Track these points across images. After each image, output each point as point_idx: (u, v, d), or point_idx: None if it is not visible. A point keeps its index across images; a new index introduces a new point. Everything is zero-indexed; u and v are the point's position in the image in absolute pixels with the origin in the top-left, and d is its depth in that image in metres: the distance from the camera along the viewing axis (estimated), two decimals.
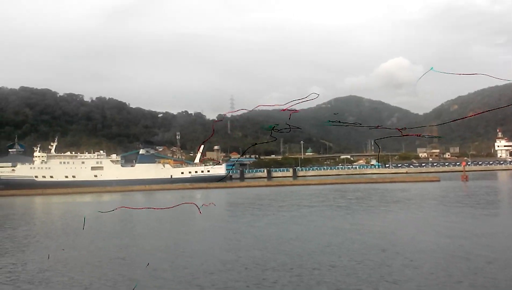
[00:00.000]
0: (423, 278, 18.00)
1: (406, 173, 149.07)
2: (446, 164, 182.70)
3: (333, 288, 17.00)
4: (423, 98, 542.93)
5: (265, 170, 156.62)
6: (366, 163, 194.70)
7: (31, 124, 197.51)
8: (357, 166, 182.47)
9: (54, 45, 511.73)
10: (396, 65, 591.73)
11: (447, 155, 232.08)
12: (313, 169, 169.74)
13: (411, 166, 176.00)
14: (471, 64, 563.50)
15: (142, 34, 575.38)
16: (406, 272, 19.00)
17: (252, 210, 49.94)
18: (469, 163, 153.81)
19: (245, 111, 8.20)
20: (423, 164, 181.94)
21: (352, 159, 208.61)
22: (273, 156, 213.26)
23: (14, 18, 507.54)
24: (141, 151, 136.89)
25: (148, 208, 27.13)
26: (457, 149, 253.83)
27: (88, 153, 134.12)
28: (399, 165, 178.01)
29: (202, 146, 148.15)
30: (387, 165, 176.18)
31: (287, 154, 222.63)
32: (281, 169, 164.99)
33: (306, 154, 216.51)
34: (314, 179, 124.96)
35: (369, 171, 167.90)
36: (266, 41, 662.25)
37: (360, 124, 7.86)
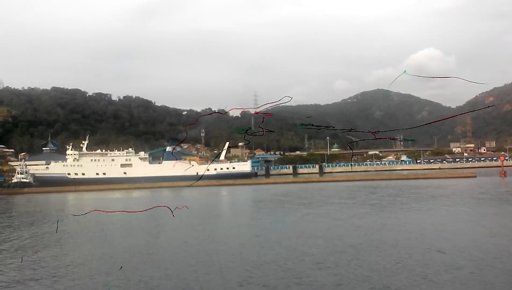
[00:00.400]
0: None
1: (439, 169, 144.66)
2: (482, 159, 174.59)
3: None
4: (455, 90, 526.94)
5: (291, 167, 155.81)
6: (396, 159, 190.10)
7: (63, 123, 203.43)
8: (387, 162, 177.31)
9: (82, 46, 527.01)
10: (426, 56, 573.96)
11: (482, 150, 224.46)
12: (340, 165, 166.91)
13: (444, 161, 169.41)
14: (507, 53, 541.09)
15: (166, 34, 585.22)
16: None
17: (292, 207, 49.84)
18: (507, 158, 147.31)
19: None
20: (457, 159, 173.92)
21: (381, 155, 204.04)
22: (297, 152, 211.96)
23: (44, 22, 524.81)
24: (168, 149, 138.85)
25: (122, 211, 26.93)
26: (493, 144, 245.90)
27: (118, 150, 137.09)
28: (431, 160, 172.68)
29: (227, 143, 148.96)
30: (418, 161, 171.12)
31: (312, 150, 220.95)
32: (307, 165, 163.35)
33: (332, 150, 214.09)
34: (342, 176, 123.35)
35: (399, 167, 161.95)
36: (290, 36, 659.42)
37: (334, 127, 8.42)
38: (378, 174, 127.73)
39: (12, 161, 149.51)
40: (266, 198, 63.88)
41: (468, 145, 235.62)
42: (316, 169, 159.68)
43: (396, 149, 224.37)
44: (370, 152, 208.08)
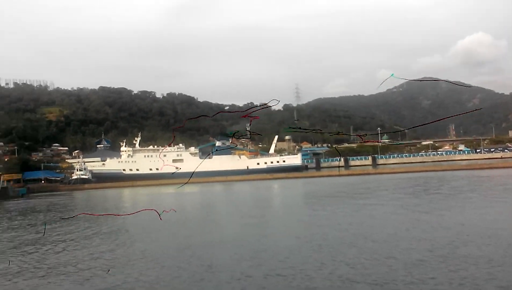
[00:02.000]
0: None
1: (501, 158, 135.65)
2: None
3: None
4: (508, 76, 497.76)
5: (342, 159, 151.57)
6: (453, 149, 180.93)
7: (111, 121, 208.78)
8: (443, 153, 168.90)
9: (126, 46, 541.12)
10: (476, 41, 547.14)
11: None
12: (394, 157, 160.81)
13: (506, 150, 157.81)
14: None
15: (205, 30, 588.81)
16: None
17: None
18: None
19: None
20: None
21: (436, 145, 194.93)
22: (345, 144, 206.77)
23: (89, 24, 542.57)
24: (218, 143, 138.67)
25: (108, 214, 25.07)
26: None
27: (168, 146, 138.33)
28: (492, 149, 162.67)
29: (276, 136, 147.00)
30: (478, 150, 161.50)
31: (359, 142, 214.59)
32: (359, 157, 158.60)
33: (382, 141, 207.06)
34: (397, 167, 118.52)
35: (457, 157, 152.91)
36: (330, 27, 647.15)
37: (320, 130, 9.21)
38: (436, 165, 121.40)
39: (67, 159, 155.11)
40: (341, 190, 61.12)
41: None
42: (369, 161, 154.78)
43: (450, 139, 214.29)
44: (424, 143, 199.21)
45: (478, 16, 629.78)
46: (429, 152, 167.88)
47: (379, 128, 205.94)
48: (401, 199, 43.73)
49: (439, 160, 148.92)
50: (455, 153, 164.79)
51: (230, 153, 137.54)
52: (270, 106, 6.23)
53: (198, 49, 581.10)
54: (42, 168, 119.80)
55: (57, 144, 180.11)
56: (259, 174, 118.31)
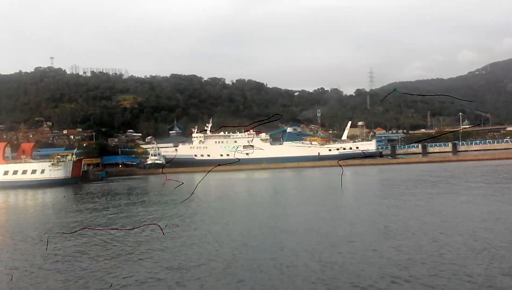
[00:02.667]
0: None
1: None
2: None
3: None
4: None
5: (420, 146, 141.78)
6: None
7: (183, 108, 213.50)
8: None
9: (195, 34, 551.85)
10: None
11: None
12: (476, 143, 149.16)
13: None
14: None
15: (273, 14, 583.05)
16: None
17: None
18: None
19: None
20: None
21: None
22: (422, 130, 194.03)
23: (159, 12, 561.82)
24: (289, 130, 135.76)
25: (111, 229, 22.18)
26: None
27: (239, 132, 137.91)
28: None
29: (350, 122, 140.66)
30: None
31: (437, 128, 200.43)
32: (438, 144, 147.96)
33: (462, 126, 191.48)
34: (481, 154, 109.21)
35: None
36: (405, 6, 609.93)
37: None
38: None
39: (141, 144, 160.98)
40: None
41: None
42: (449, 147, 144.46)
43: None
44: (509, 128, 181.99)
45: None
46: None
47: (460, 113, 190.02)
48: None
49: None
50: None
51: (301, 139, 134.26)
52: (273, 120, 6.71)
53: (268, 35, 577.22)
54: (120, 153, 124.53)
55: (131, 130, 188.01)
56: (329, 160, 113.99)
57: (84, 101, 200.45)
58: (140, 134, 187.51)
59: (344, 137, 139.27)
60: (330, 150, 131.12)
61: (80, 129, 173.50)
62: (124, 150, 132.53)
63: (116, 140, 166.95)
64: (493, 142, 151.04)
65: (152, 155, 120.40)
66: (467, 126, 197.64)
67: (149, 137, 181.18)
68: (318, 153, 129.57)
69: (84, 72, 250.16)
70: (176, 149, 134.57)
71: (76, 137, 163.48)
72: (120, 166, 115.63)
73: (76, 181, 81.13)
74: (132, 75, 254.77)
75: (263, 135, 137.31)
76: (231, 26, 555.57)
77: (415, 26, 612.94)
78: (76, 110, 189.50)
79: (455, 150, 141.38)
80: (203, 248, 19.84)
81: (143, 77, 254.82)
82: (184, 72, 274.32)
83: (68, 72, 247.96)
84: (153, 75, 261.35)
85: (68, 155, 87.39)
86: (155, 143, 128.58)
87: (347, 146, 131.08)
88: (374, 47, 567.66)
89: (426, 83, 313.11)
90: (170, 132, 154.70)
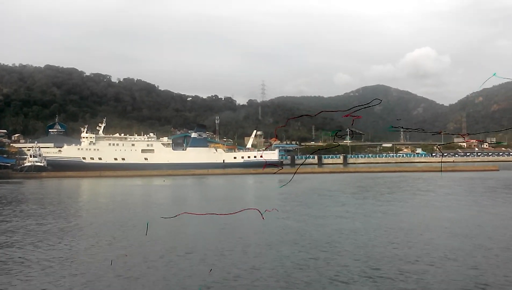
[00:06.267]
0: None
1: (453, 162, 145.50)
2: (490, 153, 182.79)
3: None
4: (449, 89, 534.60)
5: (316, 157, 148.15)
6: (411, 151, 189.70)
7: (60, 104, 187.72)
8: (403, 155, 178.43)
9: (74, 22, 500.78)
10: (422, 55, 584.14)
11: (485, 145, 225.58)
12: (362, 157, 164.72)
13: (456, 155, 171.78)
14: (497, 57, 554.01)
15: (167, 16, 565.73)
16: None
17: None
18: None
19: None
20: (468, 154, 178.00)
21: (397, 147, 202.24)
22: (312, 142, 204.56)
23: None
24: (193, 135, 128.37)
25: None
26: (493, 139, 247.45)
27: (138, 135, 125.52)
28: (445, 154, 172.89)
29: (255, 131, 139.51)
30: (433, 154, 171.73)
31: (320, 142, 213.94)
32: (331, 156, 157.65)
33: (344, 141, 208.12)
34: (365, 167, 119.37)
35: (416, 159, 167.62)
36: (293, 27, 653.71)
37: (423, 129, 8.29)
38: (400, 166, 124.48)
39: (11, 143, 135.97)
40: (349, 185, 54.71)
41: (471, 141, 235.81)
42: (340, 159, 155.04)
43: (406, 143, 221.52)
44: (384, 145, 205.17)
45: (427, 32, 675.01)
46: (390, 154, 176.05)
47: (348, 129, 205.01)
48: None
49: (402, 161, 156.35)
50: (414, 155, 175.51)
51: (206, 146, 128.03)
52: (373, 105, 5.97)
53: (159, 35, 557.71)
54: None
55: None
56: (235, 168, 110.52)
57: None
58: (5, 131, 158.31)
59: (249, 145, 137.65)
60: (235, 157, 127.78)
61: None
62: None
63: None
64: (375, 156, 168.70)
65: (31, 157, 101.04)
66: (348, 141, 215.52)
67: (17, 135, 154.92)
68: (223, 160, 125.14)
69: None
70: (59, 150, 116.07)
71: None
72: None
73: None
74: None
75: (165, 139, 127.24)
76: (117, 21, 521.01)
77: (299, 46, 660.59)
78: None
79: (345, 162, 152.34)
80: None
81: (11, 65, 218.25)
82: (61, 64, 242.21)
83: None
84: (23, 64, 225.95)
85: None
86: (36, 142, 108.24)
87: (251, 155, 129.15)
88: (264, 60, 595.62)
89: (309, 100, 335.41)
90: (50, 130, 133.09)
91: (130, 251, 18.64)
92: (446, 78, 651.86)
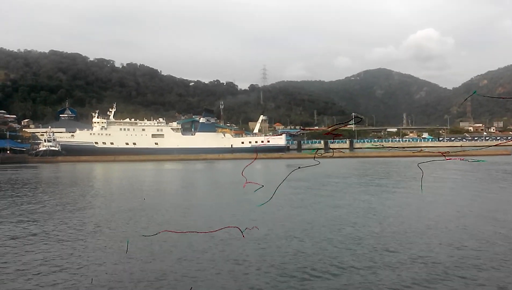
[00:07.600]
0: None
1: (461, 146, 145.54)
2: (498, 138, 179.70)
3: None
4: (452, 71, 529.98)
5: (322, 142, 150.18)
6: (417, 136, 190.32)
7: (66, 90, 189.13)
8: (409, 139, 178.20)
9: (74, 8, 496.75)
10: (425, 36, 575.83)
11: (492, 130, 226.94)
12: (368, 141, 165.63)
13: (464, 139, 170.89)
14: (502, 38, 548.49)
15: (165, 1, 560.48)
16: None
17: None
18: None
19: None
20: (475, 138, 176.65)
21: (402, 132, 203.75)
22: (316, 127, 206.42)
23: None
24: (202, 120, 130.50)
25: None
26: (500, 124, 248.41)
27: (147, 120, 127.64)
28: (452, 138, 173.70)
29: (262, 116, 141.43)
30: (440, 139, 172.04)
31: (330, 126, 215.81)
32: (337, 140, 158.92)
33: (349, 126, 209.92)
34: (374, 152, 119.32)
35: (423, 144, 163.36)
36: (292, 9, 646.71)
37: None
38: (407, 150, 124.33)
39: (23, 128, 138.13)
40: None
41: (477, 125, 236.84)
42: (346, 144, 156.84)
43: (411, 127, 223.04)
44: (389, 129, 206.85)
45: (430, 13, 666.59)
46: (396, 139, 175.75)
47: (353, 113, 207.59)
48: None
49: (408, 146, 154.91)
50: (420, 140, 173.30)
51: (214, 131, 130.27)
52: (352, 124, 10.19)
53: (160, 19, 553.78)
54: (8, 136, 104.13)
55: (3, 111, 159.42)
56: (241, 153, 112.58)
57: None
58: (14, 116, 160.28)
59: (256, 130, 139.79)
60: (243, 142, 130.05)
61: None
62: (13, 134, 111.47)
63: None
64: (382, 141, 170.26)
65: (45, 141, 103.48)
66: (353, 126, 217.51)
67: (26, 120, 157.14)
68: (231, 145, 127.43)
69: None
70: (72, 135, 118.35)
71: None
72: (9, 152, 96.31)
73: None
74: (1, 47, 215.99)
75: (174, 124, 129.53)
76: (119, 5, 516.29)
77: (295, 29, 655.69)
78: None
79: (351, 147, 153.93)
80: None
81: (16, 50, 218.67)
82: (65, 49, 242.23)
83: None
84: (28, 49, 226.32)
85: None
86: (49, 127, 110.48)
87: (259, 140, 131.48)
88: (264, 44, 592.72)
89: (310, 84, 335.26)
90: (61, 115, 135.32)
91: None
92: (450, 60, 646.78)
